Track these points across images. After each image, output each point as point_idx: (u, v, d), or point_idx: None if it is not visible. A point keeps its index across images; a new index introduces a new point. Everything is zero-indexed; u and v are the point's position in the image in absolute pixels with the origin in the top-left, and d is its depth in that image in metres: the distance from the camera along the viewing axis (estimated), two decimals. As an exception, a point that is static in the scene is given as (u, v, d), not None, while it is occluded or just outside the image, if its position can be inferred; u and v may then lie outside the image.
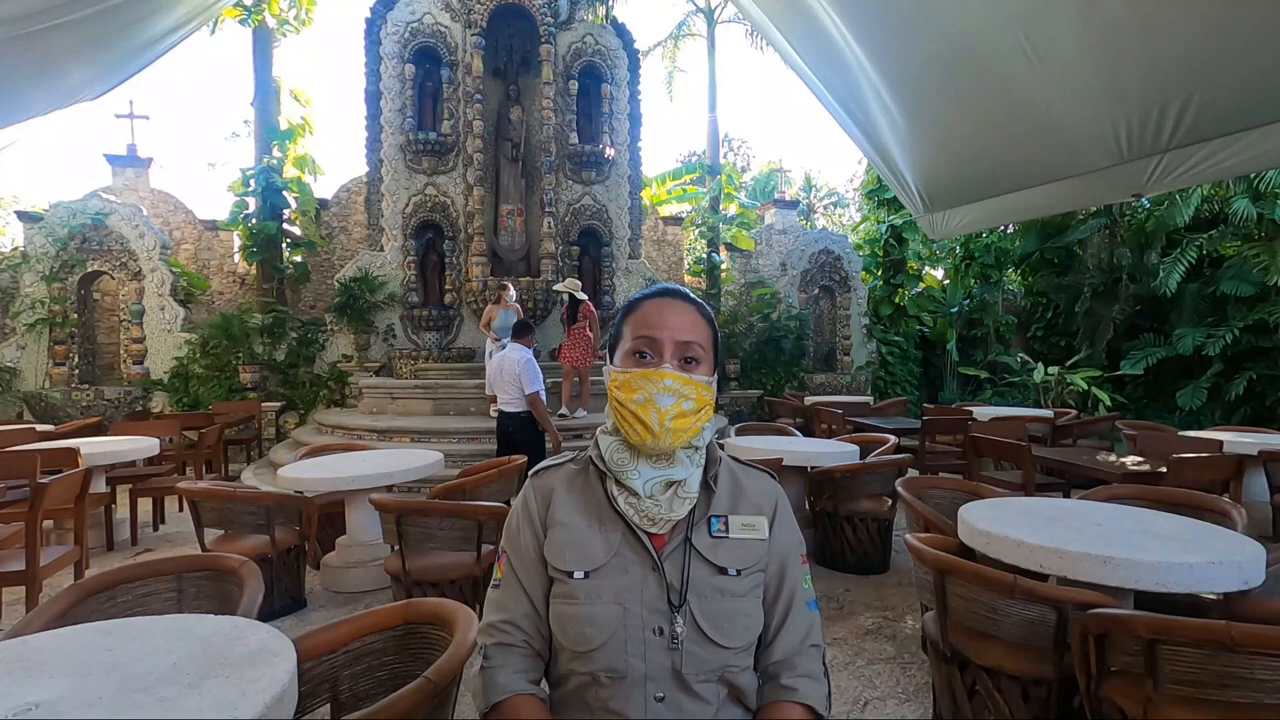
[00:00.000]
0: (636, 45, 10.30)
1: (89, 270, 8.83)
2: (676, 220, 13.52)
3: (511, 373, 4.87)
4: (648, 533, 1.06)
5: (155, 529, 5.48)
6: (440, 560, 3.24)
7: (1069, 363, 10.30)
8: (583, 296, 7.25)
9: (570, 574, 1.05)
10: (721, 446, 1.21)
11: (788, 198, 15.53)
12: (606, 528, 1.08)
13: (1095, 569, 2.01)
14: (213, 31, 9.11)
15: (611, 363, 1.13)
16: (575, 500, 1.12)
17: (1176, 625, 1.61)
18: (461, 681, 1.51)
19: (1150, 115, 2.35)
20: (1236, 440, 4.73)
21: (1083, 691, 1.85)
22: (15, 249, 9.62)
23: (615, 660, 1.01)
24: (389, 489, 4.08)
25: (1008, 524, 2.33)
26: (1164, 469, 3.90)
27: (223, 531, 3.76)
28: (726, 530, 1.08)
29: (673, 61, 13.50)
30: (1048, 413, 7.25)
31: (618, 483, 1.08)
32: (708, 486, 1.11)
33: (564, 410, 6.87)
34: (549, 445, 5.00)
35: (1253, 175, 8.50)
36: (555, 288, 8.06)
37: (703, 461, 1.12)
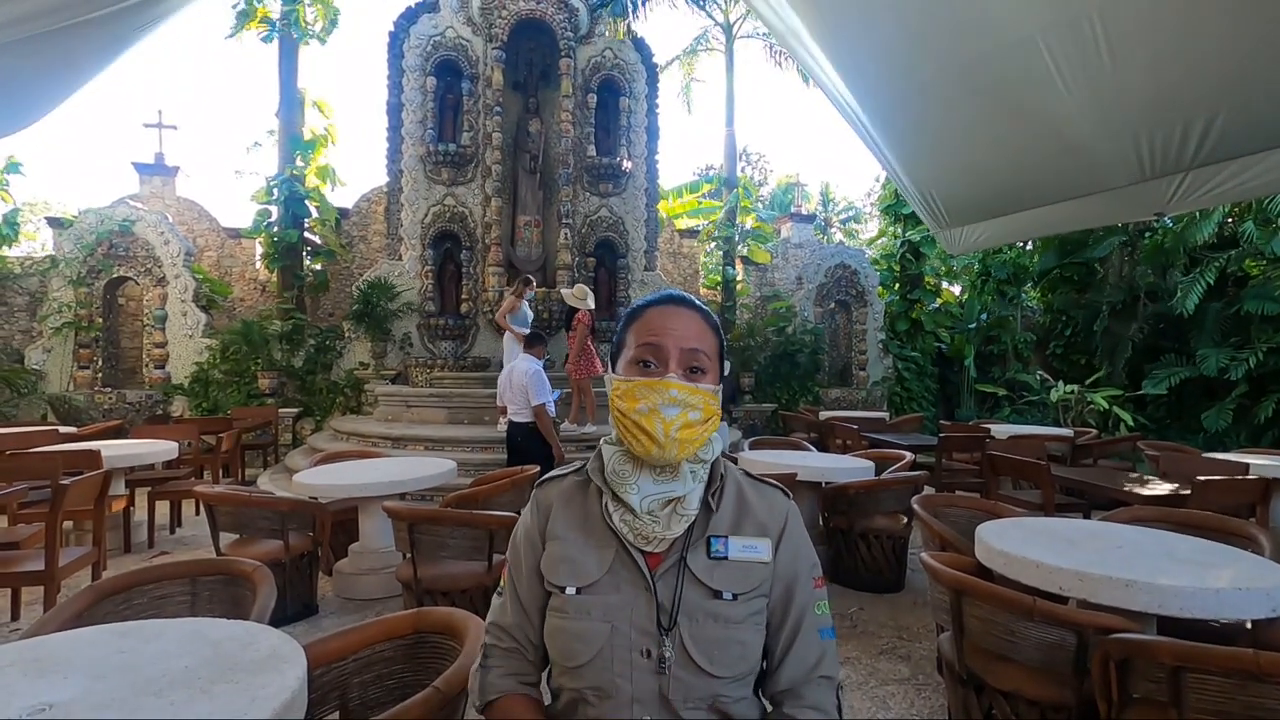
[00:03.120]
0: (655, 59, 10.38)
1: (115, 276, 9.01)
2: (692, 233, 13.54)
3: (520, 384, 4.89)
4: (642, 551, 1.03)
5: (172, 532, 5.54)
6: (452, 569, 3.24)
7: (1089, 381, 10.16)
8: (583, 306, 6.88)
9: (563, 589, 1.03)
10: (734, 460, 1.18)
11: (804, 212, 15.51)
12: (601, 544, 1.05)
13: (1117, 592, 1.96)
14: (232, 34, 9.26)
15: (614, 371, 1.09)
16: (573, 514, 1.09)
17: (1202, 653, 1.56)
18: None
19: (1174, 133, 2.33)
20: (1263, 463, 4.62)
21: (1104, 719, 1.80)
22: (45, 254, 9.84)
23: (602, 679, 0.99)
24: (402, 497, 4.10)
25: (1026, 544, 2.29)
26: (1188, 491, 3.82)
27: (238, 536, 3.79)
28: (726, 551, 1.03)
29: (689, 73, 13.55)
30: (1067, 432, 7.14)
31: (614, 498, 1.05)
32: (707, 505, 1.06)
33: (568, 423, 6.71)
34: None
35: (1263, 199, 8.44)
36: (562, 292, 7.80)
37: (705, 477, 1.08)
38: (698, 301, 1.11)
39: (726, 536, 1.05)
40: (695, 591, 1.01)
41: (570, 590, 1.03)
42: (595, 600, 1.01)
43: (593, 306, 7.00)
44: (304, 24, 9.50)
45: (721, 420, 1.10)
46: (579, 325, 6.73)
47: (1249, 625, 2.31)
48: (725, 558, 1.03)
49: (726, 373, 1.14)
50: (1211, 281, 9.46)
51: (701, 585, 1.01)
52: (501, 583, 1.15)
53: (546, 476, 1.18)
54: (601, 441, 1.12)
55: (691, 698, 0.98)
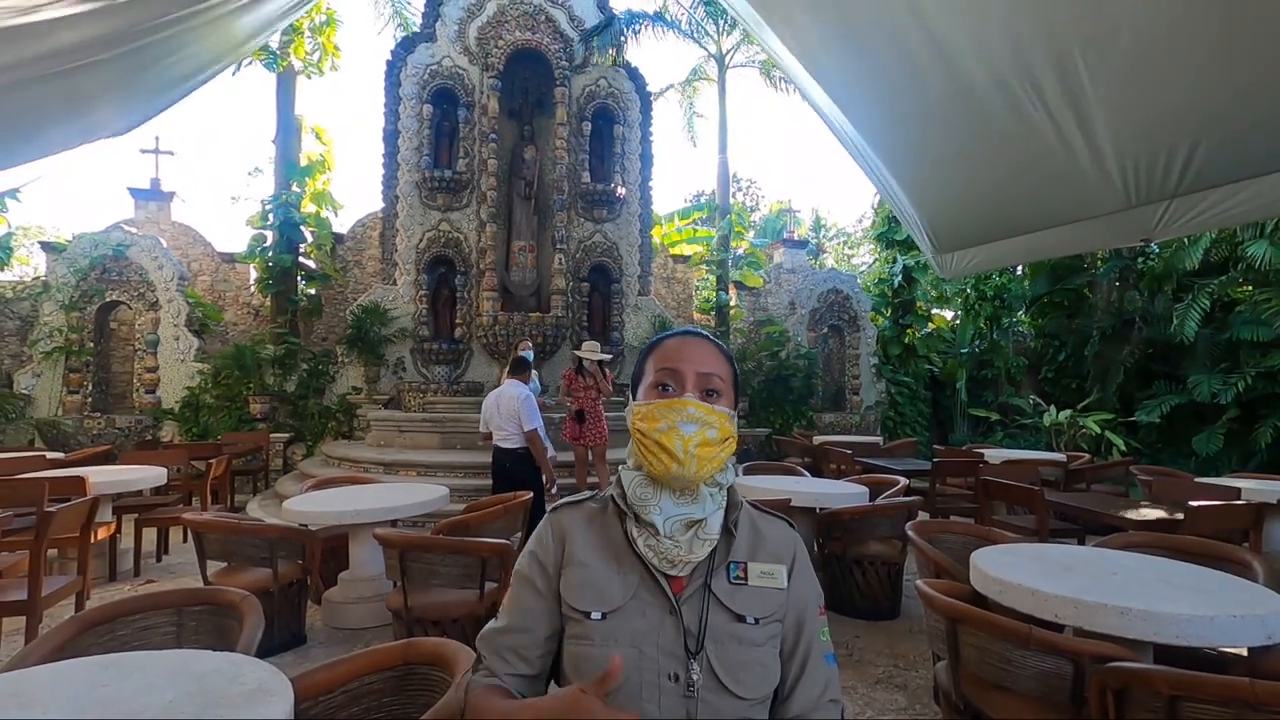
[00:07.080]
0: (649, 88, 10.55)
1: (107, 300, 8.98)
2: (686, 258, 13.63)
3: (510, 409, 4.85)
4: (666, 576, 1.05)
5: (159, 559, 5.45)
6: (443, 598, 3.20)
7: (1081, 406, 10.20)
8: (593, 356, 6.33)
9: (587, 614, 1.04)
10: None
11: (796, 237, 15.63)
12: (625, 569, 1.07)
13: (1113, 620, 1.96)
14: (235, 72, 9.39)
15: (634, 398, 1.15)
16: (594, 539, 1.11)
17: (1199, 681, 1.55)
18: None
19: (1157, 161, 2.37)
20: (1255, 488, 4.63)
21: (1102, 749, 1.78)
22: (37, 278, 9.81)
23: (629, 705, 0.99)
24: (394, 523, 4.06)
25: (1022, 571, 2.28)
26: (1180, 516, 3.82)
27: (226, 564, 3.73)
28: (745, 577, 1.07)
29: (691, 105, 13.71)
30: (1060, 456, 7.14)
31: (637, 521, 1.07)
32: (728, 531, 1.10)
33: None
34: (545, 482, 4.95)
35: (1268, 220, 8.42)
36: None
37: (725, 502, 1.11)
38: (712, 336, 1.19)
39: (745, 563, 1.09)
40: (720, 615, 1.04)
41: (595, 615, 1.04)
42: (621, 625, 1.03)
43: (602, 357, 6.43)
44: (302, 55, 9.63)
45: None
46: (602, 382, 6.25)
47: (1245, 653, 2.30)
48: (745, 583, 1.07)
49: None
50: (1207, 307, 9.53)
51: (726, 609, 1.04)
52: (506, 604, 1.16)
53: (561, 502, 1.20)
54: (620, 467, 1.15)
55: None
